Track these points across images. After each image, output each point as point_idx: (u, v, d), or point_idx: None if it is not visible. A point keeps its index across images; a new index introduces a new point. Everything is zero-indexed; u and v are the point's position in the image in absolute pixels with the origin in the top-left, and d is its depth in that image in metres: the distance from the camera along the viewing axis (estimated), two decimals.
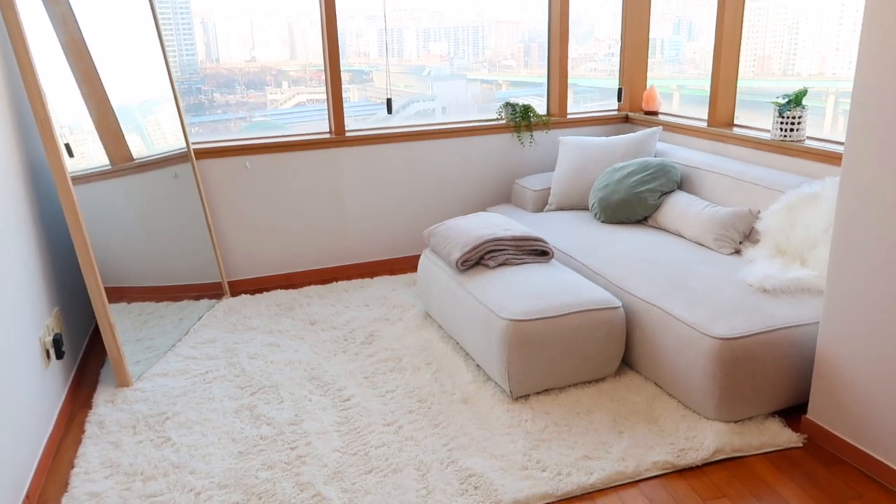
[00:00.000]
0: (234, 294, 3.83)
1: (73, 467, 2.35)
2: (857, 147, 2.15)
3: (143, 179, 3.46)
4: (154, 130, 3.62)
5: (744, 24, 3.69)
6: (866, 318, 2.19)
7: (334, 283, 3.92)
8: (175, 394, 2.78)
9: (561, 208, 3.92)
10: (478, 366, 2.89)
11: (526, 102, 4.29)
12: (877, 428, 2.20)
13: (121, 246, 3.20)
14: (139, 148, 3.43)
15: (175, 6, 3.81)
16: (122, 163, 3.34)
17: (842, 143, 3.10)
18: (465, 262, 2.98)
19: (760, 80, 3.97)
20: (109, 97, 3.25)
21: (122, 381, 2.85)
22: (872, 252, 2.14)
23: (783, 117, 3.28)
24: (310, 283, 3.96)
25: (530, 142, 4.32)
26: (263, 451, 2.39)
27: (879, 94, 2.06)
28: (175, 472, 2.29)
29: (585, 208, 3.87)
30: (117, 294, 3.01)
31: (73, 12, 3.06)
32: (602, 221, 3.62)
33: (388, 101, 4.07)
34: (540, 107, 4.41)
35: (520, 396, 2.66)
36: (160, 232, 3.49)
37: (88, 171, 3.08)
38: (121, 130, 3.33)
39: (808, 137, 3.30)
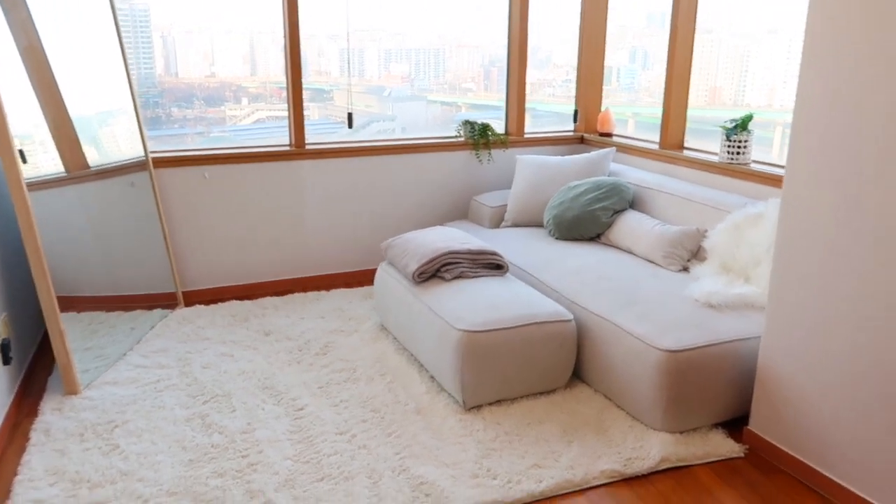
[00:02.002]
0: (188, 304, 3.79)
1: (16, 475, 2.29)
2: (797, 171, 2.26)
3: (99, 187, 3.43)
4: (109, 141, 3.60)
5: (696, 56, 3.84)
6: (804, 333, 2.29)
7: (291, 295, 3.91)
8: (125, 402, 2.74)
9: (517, 225, 3.99)
10: (432, 377, 2.92)
11: (485, 121, 4.37)
12: (813, 438, 2.30)
13: (73, 254, 3.16)
14: (94, 157, 3.40)
15: (135, 19, 3.80)
16: (78, 170, 3.30)
17: (783, 167, 3.24)
18: (421, 274, 3.01)
19: (712, 110, 4.13)
20: (67, 105, 3.22)
21: (71, 389, 2.80)
22: (810, 270, 2.25)
23: (730, 141, 3.42)
24: (266, 295, 3.94)
25: (488, 159, 4.40)
26: (214, 459, 2.37)
27: (817, 121, 2.18)
28: (123, 480, 2.26)
29: (541, 225, 3.95)
30: (67, 303, 2.97)
31: (32, 20, 3.04)
32: (556, 238, 3.70)
33: (349, 116, 4.11)
34: (498, 127, 4.50)
35: (472, 407, 2.69)
36: (114, 240, 3.45)
37: (43, 178, 3.04)
38: (77, 138, 3.30)
39: (754, 161, 3.44)
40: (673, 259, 3.21)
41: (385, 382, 2.89)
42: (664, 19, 4.39)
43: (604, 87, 4.63)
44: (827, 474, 2.25)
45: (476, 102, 4.87)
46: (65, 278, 2.99)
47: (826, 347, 2.22)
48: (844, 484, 2.20)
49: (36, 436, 2.51)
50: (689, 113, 3.91)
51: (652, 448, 2.43)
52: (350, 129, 4.13)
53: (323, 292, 3.95)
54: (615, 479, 2.32)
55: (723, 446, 2.48)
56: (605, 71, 4.62)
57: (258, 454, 2.40)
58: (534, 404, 2.71)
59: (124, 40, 3.47)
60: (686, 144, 3.94)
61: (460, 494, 2.18)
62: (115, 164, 3.51)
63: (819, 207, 2.20)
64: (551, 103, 5.02)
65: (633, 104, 5.01)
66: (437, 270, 3.03)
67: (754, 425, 2.51)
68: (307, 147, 3.98)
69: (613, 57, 4.68)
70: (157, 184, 3.67)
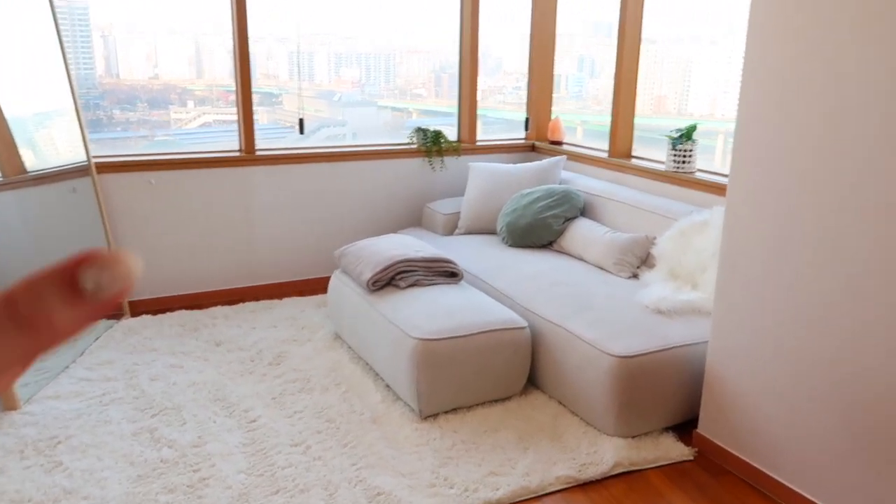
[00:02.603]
0: (134, 314, 3.68)
1: None
2: (739, 180, 2.34)
3: (39, 193, 3.31)
4: (47, 143, 3.48)
5: (641, 65, 3.93)
6: (748, 338, 2.36)
7: (242, 304, 3.84)
8: (68, 417, 2.65)
9: (470, 232, 4.01)
10: (387, 386, 2.91)
11: (437, 128, 4.38)
12: (759, 440, 2.37)
13: (12, 261, 3.04)
14: (31, 161, 3.28)
15: (73, 17, 3.68)
16: (15, 175, 3.18)
17: (727, 176, 3.34)
18: (376, 282, 3.00)
19: (657, 119, 4.23)
20: (1, 107, 3.10)
21: (9, 405, 2.69)
22: (753, 276, 2.32)
23: (676, 150, 3.51)
24: (216, 304, 3.86)
25: (441, 167, 4.41)
26: (164, 475, 2.31)
27: (758, 132, 2.25)
28: (67, 499, 2.18)
29: (494, 232, 3.98)
30: None
31: None
32: (509, 245, 3.73)
33: (301, 122, 4.06)
34: (451, 134, 4.52)
35: (429, 415, 2.69)
36: (56, 248, 3.33)
37: None
38: (13, 140, 3.18)
39: (699, 170, 3.54)
40: (623, 266, 3.28)
41: (340, 392, 2.87)
42: (610, 28, 4.48)
43: (553, 95, 4.70)
44: (773, 476, 2.33)
45: (427, 108, 4.88)
46: (2, 286, 2.87)
47: (770, 350, 2.29)
48: (790, 485, 2.28)
49: None
50: (636, 121, 4.00)
51: (605, 453, 2.47)
52: (301, 135, 4.09)
53: (275, 301, 3.89)
54: (570, 485, 2.35)
55: (673, 450, 2.54)
56: (555, 79, 4.69)
57: (210, 468, 2.34)
58: (490, 412, 2.73)
59: (63, 39, 3.36)
60: (634, 153, 4.02)
61: None
62: (55, 169, 3.39)
63: (761, 215, 2.28)
64: (502, 110, 5.07)
65: (581, 112, 5.10)
66: (391, 278, 3.02)
67: (703, 428, 2.58)
68: (257, 153, 3.91)
69: (562, 65, 4.75)
70: (101, 190, 3.56)
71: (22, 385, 2.78)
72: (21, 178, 3.21)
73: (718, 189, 3.31)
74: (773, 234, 2.24)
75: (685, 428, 2.67)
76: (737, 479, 2.43)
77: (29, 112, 3.39)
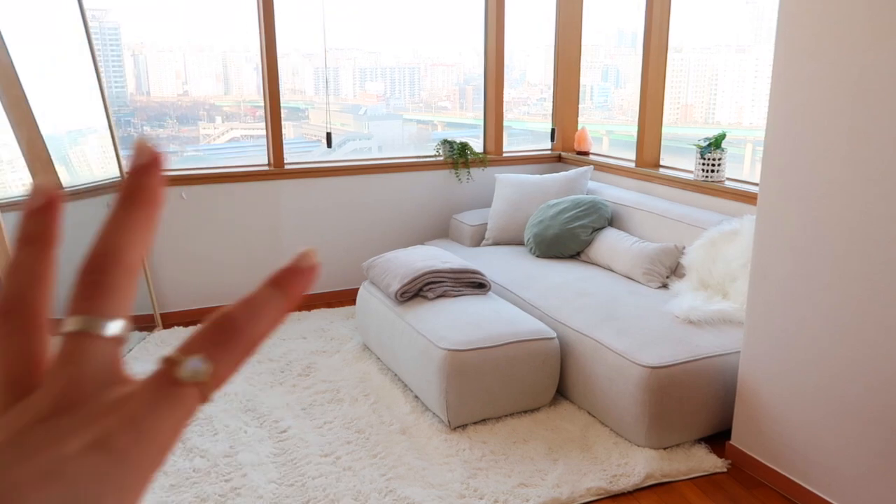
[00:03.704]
0: (167, 326, 3.74)
1: None
2: (770, 188, 2.32)
3: (74, 208, 3.38)
4: (80, 160, 3.56)
5: (668, 74, 3.92)
6: (782, 347, 2.33)
7: None
8: None
9: (497, 243, 4.02)
10: (416, 397, 2.91)
11: (463, 140, 4.40)
12: (793, 452, 2.33)
13: None
14: (66, 177, 3.35)
15: (104, 37, 3.78)
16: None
17: (757, 184, 3.31)
18: (404, 293, 3.01)
19: (684, 128, 4.21)
20: (39, 125, 3.18)
21: None
22: (785, 285, 2.29)
23: (704, 159, 3.49)
24: None
25: (467, 178, 4.43)
26: (196, 484, 2.34)
27: (788, 141, 2.23)
28: None
29: (521, 243, 3.97)
30: None
31: (3, 40, 3.00)
32: (537, 256, 3.73)
33: (328, 136, 4.11)
34: (476, 145, 4.53)
35: (457, 426, 2.69)
36: None
37: (16, 199, 3.00)
38: (50, 158, 3.26)
39: (728, 178, 3.51)
40: (652, 276, 3.25)
41: (369, 403, 2.88)
42: (635, 39, 4.48)
43: (579, 106, 4.70)
44: (808, 488, 2.29)
45: (452, 121, 4.90)
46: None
47: (804, 361, 2.26)
48: (826, 497, 2.24)
49: None
50: (663, 131, 3.98)
51: (636, 465, 2.44)
52: (329, 148, 4.14)
53: (304, 312, 3.93)
54: (601, 497, 2.33)
55: (706, 461, 2.50)
56: (580, 89, 4.69)
57: (241, 478, 2.37)
58: (519, 423, 2.72)
59: (96, 58, 3.45)
60: (661, 162, 4.00)
61: None
62: (90, 185, 3.46)
63: (791, 223, 2.25)
64: (527, 121, 5.08)
65: (607, 122, 5.09)
66: (419, 290, 3.03)
67: (736, 440, 2.54)
68: (286, 167, 3.97)
69: (587, 75, 4.75)
70: None
71: None
72: None
73: (748, 198, 3.28)
74: (805, 243, 2.22)
75: (718, 439, 2.64)
76: (771, 492, 2.39)
77: (64, 130, 3.48)
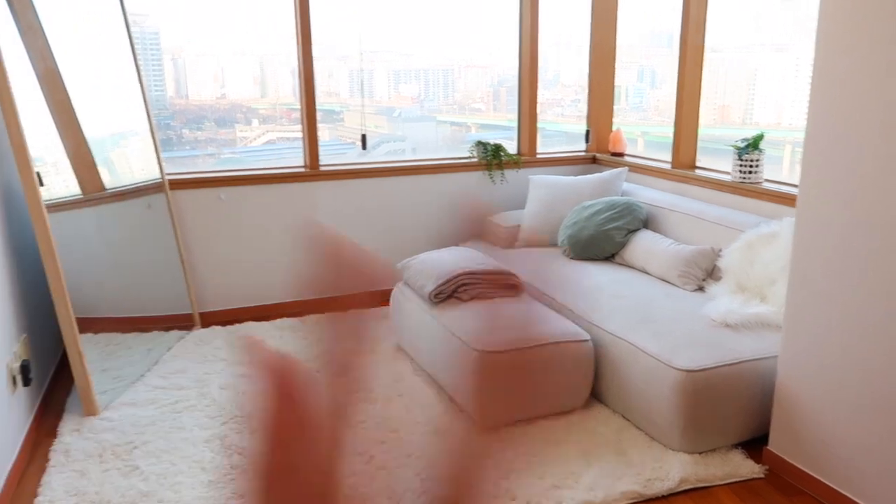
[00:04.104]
0: (205, 325, 3.81)
1: (36, 496, 2.31)
2: (810, 190, 2.28)
3: (116, 209, 3.47)
4: (121, 162, 3.64)
5: (705, 74, 3.87)
6: (822, 351, 2.29)
7: (307, 316, 3.92)
8: (143, 423, 2.76)
9: (531, 245, 4.01)
10: (450, 397, 2.92)
11: (497, 142, 4.41)
12: (834, 458, 2.29)
13: (91, 275, 3.19)
14: (108, 179, 3.44)
15: (145, 42, 3.86)
16: (94, 192, 3.34)
17: (797, 186, 3.26)
18: (438, 294, 3.03)
19: (721, 129, 4.15)
20: (83, 128, 3.27)
21: (89, 410, 2.82)
22: (826, 289, 2.25)
23: (742, 160, 3.44)
24: (282, 316, 3.96)
25: (501, 180, 4.43)
26: (235, 480, 2.37)
27: (829, 141, 2.19)
28: (143, 501, 2.26)
29: (555, 245, 3.96)
30: (85, 324, 2.99)
31: (49, 46, 3.09)
32: (571, 258, 3.71)
33: (363, 137, 4.15)
34: (510, 147, 4.53)
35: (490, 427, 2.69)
36: (131, 262, 3.48)
37: (61, 200, 3.08)
38: (93, 160, 3.34)
39: (766, 180, 3.46)
40: (688, 278, 3.22)
41: (403, 403, 2.90)
42: (671, 39, 4.43)
43: (614, 107, 4.67)
44: (849, 496, 2.24)
45: (485, 122, 4.90)
46: (82, 300, 3.01)
47: (844, 366, 2.22)
48: None
49: (56, 457, 2.53)
50: (700, 132, 3.93)
51: (671, 469, 2.42)
52: (363, 150, 4.17)
53: (339, 313, 3.96)
54: (636, 501, 2.31)
55: (742, 467, 2.47)
56: (615, 90, 4.66)
57: None
58: (552, 425, 2.71)
59: (138, 63, 3.53)
60: (697, 164, 3.96)
61: None
62: (131, 186, 3.55)
63: (833, 226, 2.21)
64: (561, 123, 5.06)
65: (642, 123, 5.04)
66: (453, 291, 3.04)
67: (774, 446, 2.50)
68: (321, 168, 4.01)
69: (622, 76, 4.72)
70: (174, 205, 3.71)
71: (101, 392, 2.90)
72: (100, 196, 3.37)
73: (787, 199, 3.22)
74: (845, 245, 2.17)
75: (755, 445, 2.60)
76: (811, 499, 2.35)
77: (107, 133, 3.56)
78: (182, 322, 3.73)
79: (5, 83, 2.56)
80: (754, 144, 3.42)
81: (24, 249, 2.93)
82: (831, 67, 2.17)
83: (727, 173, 3.65)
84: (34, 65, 3.04)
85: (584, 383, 2.80)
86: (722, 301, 2.91)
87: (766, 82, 4.00)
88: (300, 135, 4.04)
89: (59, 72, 3.15)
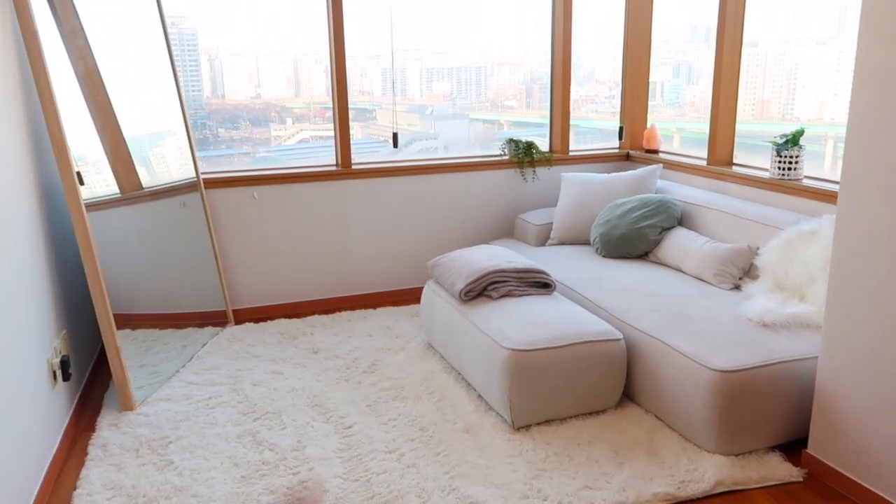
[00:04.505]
0: (238, 322, 3.86)
1: (75, 489, 2.36)
2: (852, 186, 2.21)
3: (153, 207, 3.53)
4: (159, 161, 3.70)
5: (743, 69, 3.79)
6: (864, 353, 2.22)
7: (338, 313, 3.95)
8: (178, 418, 2.80)
9: (563, 243, 3.98)
10: (479, 396, 2.91)
11: (529, 139, 4.37)
12: (876, 462, 2.22)
13: (127, 272, 3.24)
14: (145, 178, 3.50)
15: (183, 43, 3.92)
16: (132, 191, 3.40)
17: (837, 183, 3.17)
18: (468, 292, 3.02)
19: (760, 125, 4.05)
20: (122, 127, 3.33)
21: (126, 405, 2.87)
22: (868, 288, 2.18)
23: (781, 156, 3.36)
24: (314, 313, 3.99)
25: (533, 177, 4.40)
26: (266, 476, 2.40)
27: (872, 135, 2.13)
28: (177, 495, 2.30)
29: (587, 243, 3.92)
30: (122, 320, 3.05)
31: (90, 47, 3.15)
32: (603, 256, 3.67)
33: (395, 136, 4.15)
34: (543, 144, 4.50)
35: (521, 426, 2.67)
36: (167, 260, 3.54)
37: (100, 199, 3.14)
38: (132, 160, 3.40)
39: (806, 176, 3.37)
40: (724, 277, 3.15)
41: (433, 401, 2.89)
42: (707, 33, 4.35)
43: (648, 103, 4.60)
44: (891, 500, 2.17)
45: (518, 120, 4.87)
46: (120, 296, 3.07)
47: (886, 366, 2.15)
48: None
49: (94, 450, 2.58)
50: (737, 127, 3.85)
51: (706, 471, 2.37)
52: (395, 149, 4.18)
53: (370, 310, 3.98)
54: (669, 503, 2.27)
55: (780, 470, 2.41)
56: (650, 86, 4.59)
57: (308, 472, 2.42)
58: (583, 424, 2.68)
59: (175, 64, 3.58)
60: (735, 160, 3.88)
61: None
62: (167, 185, 3.60)
63: (876, 223, 2.14)
64: (594, 120, 5.00)
65: (678, 119, 4.96)
66: (483, 289, 3.03)
67: (813, 448, 2.44)
68: (353, 167, 4.03)
69: (657, 72, 4.65)
70: (208, 204, 3.76)
71: (137, 388, 2.96)
72: (137, 195, 3.43)
73: (827, 196, 3.14)
74: (888, 244, 2.10)
75: (793, 447, 2.54)
76: None
77: (144, 132, 3.62)
78: (216, 319, 3.78)
79: (48, 86, 2.62)
80: (794, 140, 3.33)
81: (64, 247, 3.00)
82: (874, 60, 2.10)
83: (765, 170, 3.57)
84: (75, 66, 3.10)
85: (617, 383, 2.76)
86: (759, 300, 2.84)
87: (807, 76, 3.90)
88: (332, 133, 4.06)
89: (99, 72, 3.21)
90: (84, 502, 2.27)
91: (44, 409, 2.45)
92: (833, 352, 2.33)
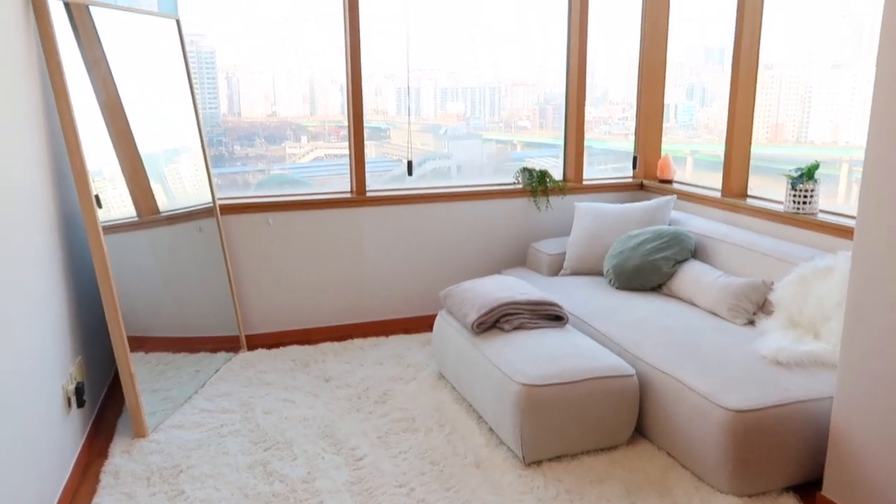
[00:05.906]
0: (250, 348, 3.87)
1: None
2: (869, 222, 2.20)
3: (169, 232, 3.56)
4: (175, 182, 3.74)
5: (758, 92, 3.78)
6: (880, 394, 2.20)
7: (350, 341, 3.96)
8: (190, 447, 2.81)
9: (576, 273, 3.97)
10: (490, 429, 2.90)
11: (543, 168, 4.39)
12: None
13: (142, 296, 3.27)
14: (163, 201, 3.53)
15: (201, 61, 3.98)
16: (149, 215, 3.44)
17: (853, 217, 3.15)
18: (480, 324, 3.02)
19: (774, 147, 4.04)
20: (141, 153, 3.37)
21: (139, 432, 2.88)
22: (885, 327, 2.17)
23: (796, 190, 3.35)
24: (326, 340, 4.00)
25: (546, 206, 4.41)
26: None
27: (890, 169, 2.12)
28: None
29: (600, 274, 3.91)
30: (137, 343, 3.07)
31: (111, 75, 3.20)
32: (616, 288, 3.66)
33: (409, 164, 4.18)
34: (555, 169, 4.51)
35: (532, 462, 2.66)
36: (182, 284, 3.56)
37: (116, 221, 3.17)
38: (149, 185, 3.44)
39: (821, 211, 3.36)
40: (738, 312, 3.14)
41: (444, 433, 2.89)
42: (722, 55, 4.35)
43: (663, 126, 4.60)
44: None
45: (531, 140, 4.89)
46: (134, 319, 3.09)
47: None
48: None
49: (106, 478, 2.59)
50: (751, 150, 3.84)
51: None
52: (409, 176, 4.20)
53: (381, 338, 3.99)
54: None
55: None
56: (664, 108, 4.59)
57: None
58: (595, 461, 2.67)
59: (192, 82, 3.63)
60: (749, 190, 3.87)
61: None
62: (183, 210, 3.64)
63: (892, 260, 2.13)
64: (607, 140, 5.01)
65: (691, 141, 4.96)
66: (496, 321, 3.03)
67: (828, 491, 2.41)
68: (368, 195, 4.06)
69: (671, 94, 4.66)
70: (223, 229, 3.80)
71: (150, 413, 2.97)
72: (154, 219, 3.47)
73: (843, 232, 3.12)
74: None
75: (808, 489, 2.51)
76: None
77: (161, 148, 3.66)
78: (229, 344, 3.80)
79: (69, 114, 2.67)
80: (809, 174, 3.32)
81: (81, 271, 3.03)
82: (893, 86, 2.10)
83: (780, 202, 3.56)
84: (97, 95, 3.15)
85: (629, 419, 2.75)
86: (773, 337, 2.82)
87: (823, 100, 3.89)
88: (347, 152, 4.09)
89: (120, 100, 3.25)
90: None
91: (57, 436, 2.47)
92: (848, 392, 2.31)
